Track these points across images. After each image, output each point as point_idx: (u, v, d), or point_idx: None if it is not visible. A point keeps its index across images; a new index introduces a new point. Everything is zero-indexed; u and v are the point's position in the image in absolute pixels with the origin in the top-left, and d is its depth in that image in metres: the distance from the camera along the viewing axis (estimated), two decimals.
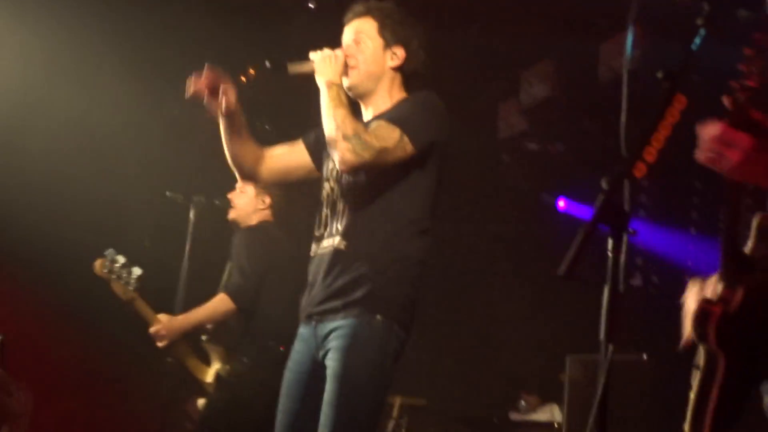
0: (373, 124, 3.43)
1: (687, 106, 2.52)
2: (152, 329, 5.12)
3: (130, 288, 5.17)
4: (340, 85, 3.46)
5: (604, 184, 2.42)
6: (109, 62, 6.69)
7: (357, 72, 3.55)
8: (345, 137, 3.30)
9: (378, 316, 3.39)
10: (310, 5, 6.03)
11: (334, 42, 3.58)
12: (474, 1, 5.89)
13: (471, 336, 8.22)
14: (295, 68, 3.56)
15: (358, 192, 3.51)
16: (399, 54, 3.58)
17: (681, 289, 8.30)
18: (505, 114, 7.72)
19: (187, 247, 5.71)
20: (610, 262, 2.35)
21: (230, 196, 5.54)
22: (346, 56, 3.52)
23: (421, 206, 3.52)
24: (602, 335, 2.31)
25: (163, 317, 5.14)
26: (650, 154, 2.48)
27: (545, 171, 8.21)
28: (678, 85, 2.55)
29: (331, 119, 3.35)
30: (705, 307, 2.47)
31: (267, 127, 7.28)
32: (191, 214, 5.84)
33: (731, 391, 2.40)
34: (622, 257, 2.34)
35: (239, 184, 5.35)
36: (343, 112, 3.35)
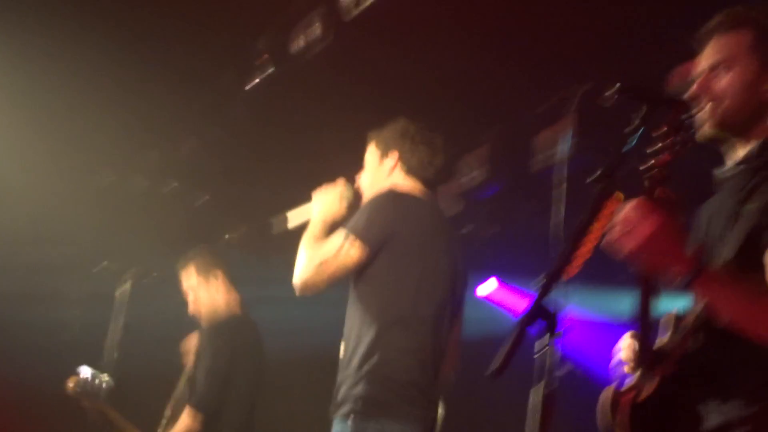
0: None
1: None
2: None
3: (100, 399, 5.17)
4: (322, 221, 3.75)
5: (536, 285, 2.44)
6: (45, 130, 6.60)
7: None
8: (296, 265, 3.55)
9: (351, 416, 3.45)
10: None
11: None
12: (413, 86, 5.95)
13: None
14: (295, 221, 3.85)
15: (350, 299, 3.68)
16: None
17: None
18: (442, 196, 7.77)
19: (121, 319, 5.63)
20: (538, 364, 2.36)
21: (188, 288, 5.38)
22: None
23: (390, 299, 3.55)
24: None
25: None
26: (582, 255, 2.51)
27: (478, 254, 8.27)
28: (611, 188, 2.60)
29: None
30: (615, 396, 2.48)
31: None
32: (127, 285, 5.78)
33: None
34: (549, 359, 2.36)
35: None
36: (304, 243, 3.63)
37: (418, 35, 5.46)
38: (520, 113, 6.19)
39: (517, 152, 6.53)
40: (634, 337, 2.54)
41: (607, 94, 2.68)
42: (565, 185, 3.46)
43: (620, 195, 2.57)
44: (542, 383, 2.33)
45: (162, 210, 7.58)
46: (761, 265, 2.27)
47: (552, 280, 2.43)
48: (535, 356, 2.33)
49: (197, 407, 4.96)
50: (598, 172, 2.56)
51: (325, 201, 3.83)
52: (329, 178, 7.17)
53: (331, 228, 3.78)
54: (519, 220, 7.30)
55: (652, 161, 2.39)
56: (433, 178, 3.90)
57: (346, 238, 3.55)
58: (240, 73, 6.02)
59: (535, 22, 5.22)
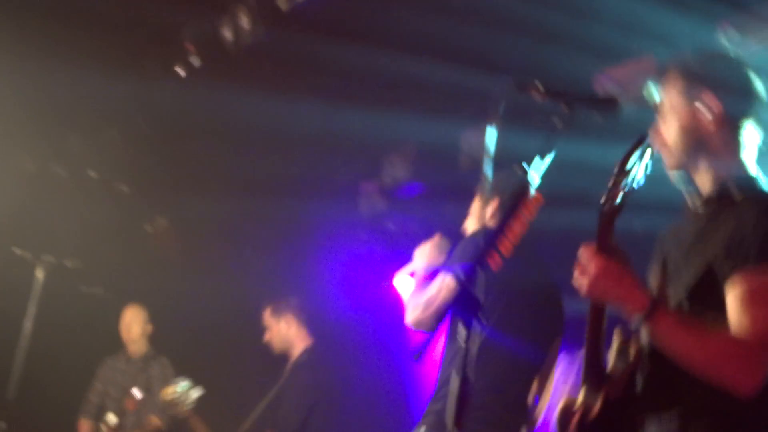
0: None
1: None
2: None
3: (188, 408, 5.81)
4: (426, 267, 4.14)
5: (460, 276, 2.48)
6: None
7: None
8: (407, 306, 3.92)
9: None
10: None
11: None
12: (340, 82, 5.96)
13: None
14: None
15: None
16: None
17: None
18: (366, 193, 7.79)
19: (33, 307, 5.54)
20: (461, 353, 2.40)
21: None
22: None
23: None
24: (450, 422, 2.35)
25: None
26: (505, 247, 2.56)
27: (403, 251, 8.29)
28: (534, 185, 2.65)
29: None
30: (565, 415, 2.58)
31: None
32: (38, 273, 5.67)
33: None
34: (474, 346, 2.40)
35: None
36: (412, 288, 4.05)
37: (347, 30, 5.47)
38: (446, 112, 6.23)
39: (442, 151, 6.59)
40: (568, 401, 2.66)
41: (532, 92, 2.74)
42: (489, 183, 3.59)
43: (539, 195, 2.62)
44: (462, 368, 2.37)
45: (81, 200, 7.46)
46: (715, 302, 2.39)
47: (476, 272, 2.47)
48: (459, 342, 2.37)
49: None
50: (522, 171, 2.63)
51: (427, 254, 4.20)
52: (257, 169, 7.20)
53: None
54: (444, 218, 7.36)
55: (605, 198, 2.53)
56: None
57: (444, 276, 3.88)
58: (166, 62, 5.96)
59: (459, 22, 5.27)
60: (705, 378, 2.31)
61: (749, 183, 2.55)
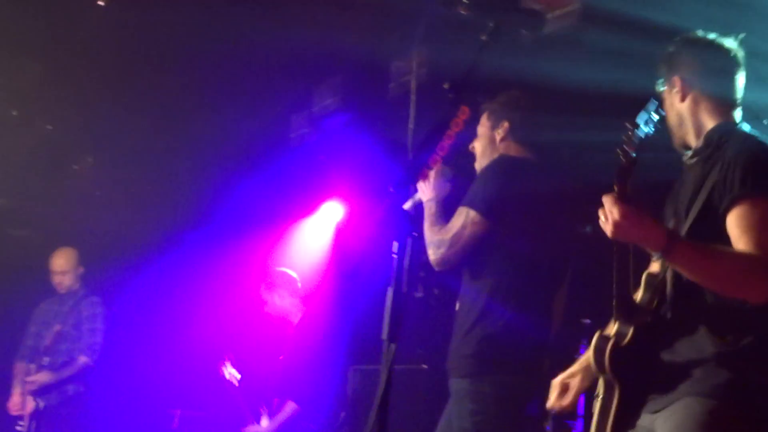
0: None
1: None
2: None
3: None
4: (433, 199, 3.89)
5: (390, 189, 2.50)
6: None
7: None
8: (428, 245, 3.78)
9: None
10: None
11: None
12: (266, 12, 5.87)
13: None
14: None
15: None
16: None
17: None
18: (296, 124, 7.77)
19: None
20: (395, 265, 2.42)
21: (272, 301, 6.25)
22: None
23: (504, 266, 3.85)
24: (385, 334, 2.38)
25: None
26: (435, 161, 2.58)
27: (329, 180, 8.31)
28: (462, 97, 2.67)
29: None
30: (601, 342, 2.86)
31: None
32: None
33: (625, 413, 2.82)
34: (407, 259, 2.43)
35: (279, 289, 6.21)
36: (427, 224, 3.81)
37: None
38: (373, 41, 6.20)
39: (370, 79, 6.57)
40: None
41: (457, 7, 2.74)
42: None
43: (466, 108, 2.65)
44: (397, 282, 2.39)
45: (3, 139, 7.30)
46: (715, 235, 2.78)
47: (406, 185, 2.49)
48: (393, 256, 2.40)
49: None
50: (451, 82, 2.64)
51: (433, 186, 3.94)
52: (184, 101, 7.11)
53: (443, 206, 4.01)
54: (373, 146, 7.36)
55: (620, 151, 2.79)
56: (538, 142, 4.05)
57: (468, 212, 3.77)
58: None
59: None
60: (724, 292, 2.76)
61: (728, 128, 2.96)
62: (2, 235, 8.09)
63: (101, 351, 6.65)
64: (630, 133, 2.78)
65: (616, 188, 2.75)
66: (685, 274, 2.78)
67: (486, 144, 4.03)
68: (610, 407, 2.82)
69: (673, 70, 3.07)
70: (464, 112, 2.63)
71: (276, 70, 6.80)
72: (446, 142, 2.61)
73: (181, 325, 8.10)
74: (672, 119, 3.07)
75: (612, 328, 2.87)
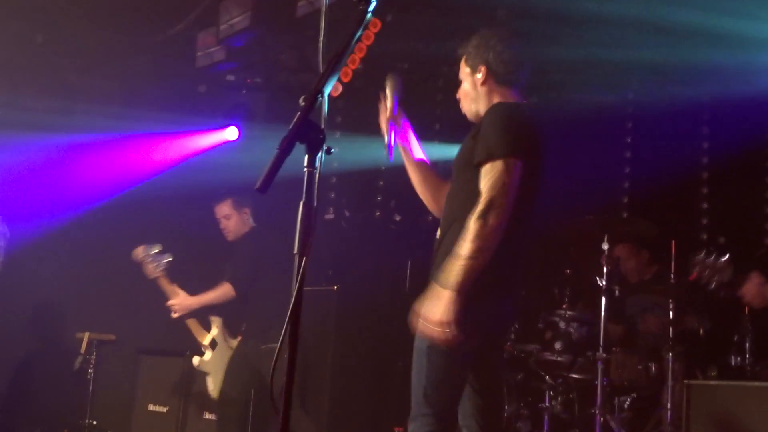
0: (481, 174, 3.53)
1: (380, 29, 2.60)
2: (170, 302, 6.41)
3: (159, 269, 6.42)
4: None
5: (300, 102, 2.45)
6: None
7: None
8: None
9: None
10: None
11: None
12: None
13: None
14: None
15: None
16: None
17: (371, 222, 8.55)
18: (203, 44, 7.60)
19: None
20: (305, 178, 2.39)
21: (222, 226, 6.54)
22: None
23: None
24: (296, 248, 2.36)
25: (180, 293, 6.42)
26: (346, 74, 2.54)
27: (242, 102, 8.22)
28: (371, 9, 2.63)
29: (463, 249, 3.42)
30: None
31: None
32: None
33: None
34: (317, 173, 2.40)
35: (220, 211, 6.49)
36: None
37: None
38: None
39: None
40: None
41: None
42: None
43: (377, 21, 2.61)
44: (308, 196, 2.37)
45: None
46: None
47: (317, 95, 2.45)
48: (304, 170, 2.37)
49: (231, 282, 6.36)
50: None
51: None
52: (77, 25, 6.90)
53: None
54: (282, 65, 7.26)
55: None
56: (522, 80, 3.81)
57: (494, 165, 3.46)
58: None
59: None
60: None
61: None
62: None
63: (5, 272, 6.48)
64: None
65: None
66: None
67: (470, 89, 3.86)
68: None
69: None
70: (374, 24, 2.59)
71: None
72: (358, 55, 2.57)
73: (89, 245, 8.01)
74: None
75: None
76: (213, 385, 6.45)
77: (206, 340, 6.57)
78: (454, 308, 3.31)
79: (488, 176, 3.45)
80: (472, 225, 3.36)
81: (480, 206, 3.39)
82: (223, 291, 6.37)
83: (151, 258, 6.45)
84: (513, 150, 3.48)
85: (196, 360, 6.55)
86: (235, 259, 6.51)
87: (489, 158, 3.48)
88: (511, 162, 3.46)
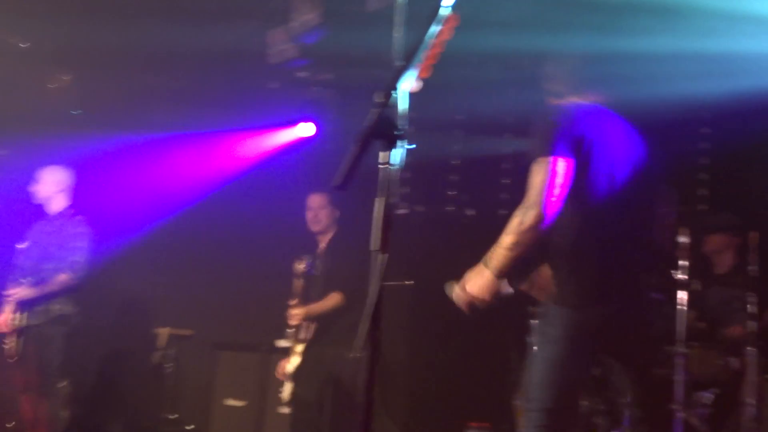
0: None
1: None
2: (293, 310, 6.35)
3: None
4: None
5: (376, 97, 2.45)
6: None
7: None
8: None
9: None
10: None
11: None
12: None
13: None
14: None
15: None
16: None
17: (443, 217, 8.60)
18: (274, 41, 7.64)
19: None
20: (382, 175, 2.39)
21: (312, 215, 6.54)
22: None
23: None
24: (374, 245, 2.36)
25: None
26: (424, 70, 2.53)
27: (314, 98, 8.26)
28: (449, 4, 2.62)
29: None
30: None
31: None
32: None
33: None
34: (395, 169, 2.39)
35: (316, 200, 6.51)
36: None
37: None
38: None
39: None
40: None
41: None
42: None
43: (455, 16, 2.59)
44: (385, 193, 2.37)
45: None
46: None
47: (391, 95, 2.45)
48: (380, 166, 2.37)
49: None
50: None
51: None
52: (153, 21, 7.00)
53: None
54: (354, 63, 7.27)
55: None
56: (579, 80, 4.00)
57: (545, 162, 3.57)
58: None
59: None
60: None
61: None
62: None
63: (87, 271, 6.63)
64: None
65: None
66: None
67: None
68: None
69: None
70: (453, 19, 2.58)
71: None
72: (434, 50, 2.56)
73: (172, 240, 8.12)
74: None
75: None
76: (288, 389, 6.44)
77: (301, 347, 6.50)
78: (489, 288, 3.63)
79: (533, 175, 3.57)
80: (513, 220, 3.58)
81: (523, 203, 3.56)
82: (335, 300, 6.37)
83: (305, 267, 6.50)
84: (556, 150, 3.56)
85: (289, 366, 6.48)
86: (340, 267, 6.46)
87: (536, 157, 3.58)
88: (553, 161, 3.54)
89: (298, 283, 6.38)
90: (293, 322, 6.40)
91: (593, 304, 3.65)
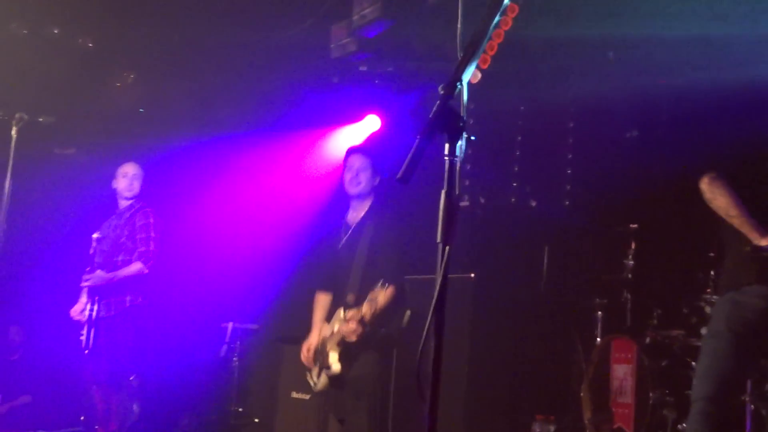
0: None
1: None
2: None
3: None
4: None
5: (440, 90, 2.45)
6: None
7: None
8: None
9: None
10: None
11: None
12: None
13: None
14: None
15: None
16: None
17: (506, 210, 8.47)
18: (336, 35, 7.67)
19: (10, 165, 5.55)
20: (446, 167, 2.39)
21: (352, 176, 5.78)
22: None
23: None
24: (439, 237, 2.36)
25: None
26: (485, 61, 2.52)
27: (375, 92, 8.27)
28: None
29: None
30: None
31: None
32: (13, 132, 5.67)
33: None
34: (458, 161, 2.39)
35: (357, 161, 5.74)
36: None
37: None
38: None
39: None
40: None
41: None
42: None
43: (515, 6, 2.57)
44: (449, 185, 2.37)
45: (44, 56, 7.29)
46: None
47: (454, 87, 2.44)
48: (445, 158, 2.37)
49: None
50: None
51: None
52: (223, 19, 7.07)
53: None
54: (415, 55, 7.27)
55: None
56: None
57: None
58: None
59: None
60: None
61: None
62: (48, 153, 8.17)
63: (157, 262, 6.74)
64: None
65: None
66: None
67: None
68: None
69: None
70: (513, 9, 2.56)
71: None
72: (495, 41, 2.55)
73: (237, 236, 8.20)
74: None
75: None
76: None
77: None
78: None
79: None
80: None
81: None
82: (391, 293, 5.60)
83: None
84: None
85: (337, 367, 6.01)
86: (392, 255, 5.70)
87: None
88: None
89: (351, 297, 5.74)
90: (353, 339, 5.65)
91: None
